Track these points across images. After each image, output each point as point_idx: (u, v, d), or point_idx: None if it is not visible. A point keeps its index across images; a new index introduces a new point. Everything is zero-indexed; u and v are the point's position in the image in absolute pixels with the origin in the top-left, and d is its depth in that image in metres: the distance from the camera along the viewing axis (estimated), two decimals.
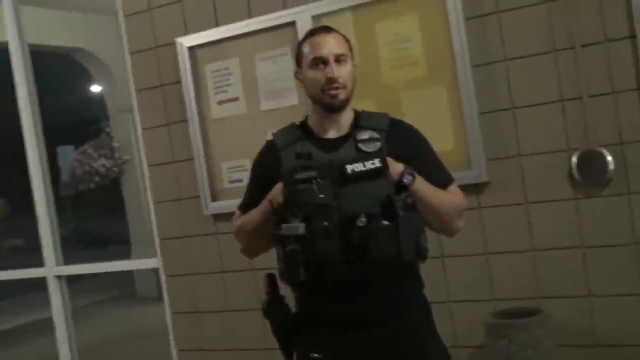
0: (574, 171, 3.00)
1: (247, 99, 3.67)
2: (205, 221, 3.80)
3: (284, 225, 1.98)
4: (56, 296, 4.40)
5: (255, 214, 2.18)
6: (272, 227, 2.04)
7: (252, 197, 2.22)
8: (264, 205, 2.13)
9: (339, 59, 2.09)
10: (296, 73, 2.21)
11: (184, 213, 3.88)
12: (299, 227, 1.95)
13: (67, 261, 4.49)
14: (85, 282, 10.19)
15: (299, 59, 2.18)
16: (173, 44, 3.80)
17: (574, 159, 3.00)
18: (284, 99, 3.53)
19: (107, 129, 9.40)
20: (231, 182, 3.69)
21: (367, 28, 3.35)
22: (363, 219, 1.93)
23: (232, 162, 3.68)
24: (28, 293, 7.37)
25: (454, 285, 3.25)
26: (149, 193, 4.00)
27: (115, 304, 9.67)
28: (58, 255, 4.42)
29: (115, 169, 9.14)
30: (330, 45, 2.10)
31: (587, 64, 2.97)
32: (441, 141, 3.13)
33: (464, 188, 3.03)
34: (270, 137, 2.23)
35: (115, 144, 9.03)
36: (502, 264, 3.15)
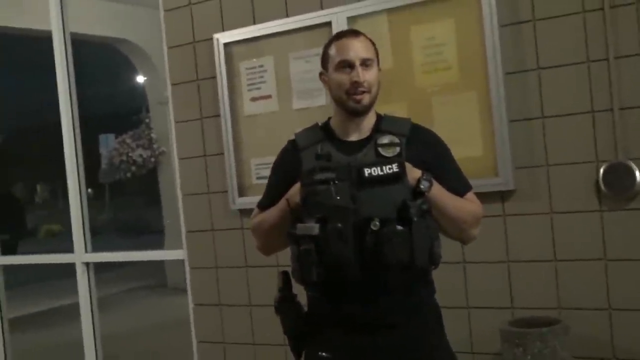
0: (601, 183, 2.98)
1: (279, 97, 3.72)
2: (232, 216, 3.85)
3: (299, 225, 2.01)
4: (83, 283, 4.50)
5: (272, 213, 2.21)
6: (289, 226, 2.07)
7: (271, 195, 2.26)
8: (281, 204, 2.16)
9: (365, 63, 2.12)
10: (321, 74, 2.24)
11: (211, 207, 3.94)
12: (314, 228, 1.97)
13: (100, 248, 4.58)
14: (119, 270, 10.39)
15: (324, 60, 2.21)
16: (210, 39, 3.87)
17: (602, 171, 2.99)
18: (315, 99, 3.57)
19: (147, 120, 9.56)
20: (259, 178, 3.73)
21: (402, 31, 3.37)
22: (377, 223, 1.95)
23: (261, 158, 3.73)
24: (62, 278, 7.52)
25: (473, 292, 3.26)
26: (178, 185, 4.06)
27: (146, 293, 9.83)
28: (87, 242, 4.50)
29: (152, 159, 9.30)
30: (357, 49, 2.12)
31: (620, 76, 2.95)
32: (470, 147, 3.18)
33: (490, 195, 3.11)
34: (292, 136, 2.27)
35: (154, 135, 9.19)
36: (524, 272, 3.15)
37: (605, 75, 2.98)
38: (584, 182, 3.04)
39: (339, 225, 1.97)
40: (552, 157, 3.10)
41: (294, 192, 2.12)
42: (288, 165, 2.22)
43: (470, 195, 2.22)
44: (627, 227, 2.97)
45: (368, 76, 2.12)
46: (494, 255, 3.20)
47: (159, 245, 9.50)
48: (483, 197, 2.94)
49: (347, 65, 2.12)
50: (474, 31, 3.21)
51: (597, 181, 3.00)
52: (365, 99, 2.12)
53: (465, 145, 3.19)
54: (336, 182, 2.00)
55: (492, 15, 3.15)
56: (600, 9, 2.98)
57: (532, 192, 3.13)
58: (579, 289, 3.05)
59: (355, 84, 2.10)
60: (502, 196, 3.17)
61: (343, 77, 2.12)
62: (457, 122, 3.23)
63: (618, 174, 2.96)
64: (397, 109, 3.29)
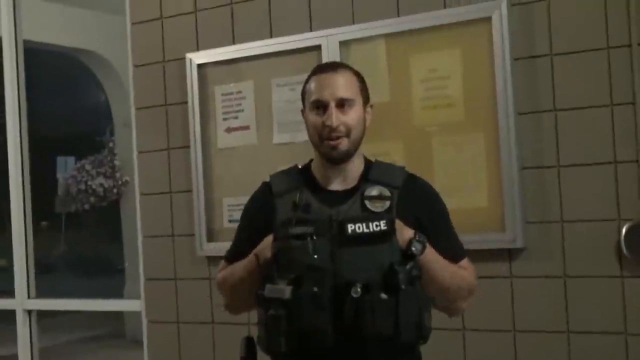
0: (623, 245, 2.98)
1: (258, 128, 3.72)
2: (199, 263, 3.83)
3: (268, 286, 1.98)
4: (24, 332, 4.45)
5: (239, 268, 2.19)
6: (258, 285, 2.05)
7: (240, 246, 2.24)
8: (249, 259, 2.14)
9: (341, 104, 2.10)
10: (301, 111, 2.23)
11: (175, 252, 3.92)
12: (285, 291, 1.94)
13: (49, 290, 4.53)
14: (72, 315, 10.27)
15: (303, 96, 2.21)
16: (182, 59, 3.88)
17: (624, 231, 2.98)
18: (300, 133, 3.55)
19: (111, 144, 9.53)
20: (232, 221, 3.71)
21: (401, 60, 3.39)
22: (358, 289, 1.93)
23: (235, 199, 3.72)
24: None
25: None
26: (138, 225, 4.04)
27: (100, 344, 9.71)
28: (30, 285, 4.46)
29: (114, 190, 9.25)
30: (333, 87, 2.11)
31: None
32: (474, 196, 3.20)
33: (495, 253, 3.10)
34: (267, 179, 2.26)
35: (117, 162, 9.15)
36: (532, 344, 3.13)
37: (631, 121, 2.99)
38: (604, 242, 3.03)
39: (315, 289, 1.95)
40: (568, 212, 3.09)
41: (265, 246, 2.10)
42: (260, 213, 2.20)
43: (464, 262, 2.21)
44: None
45: (347, 118, 2.10)
46: (498, 323, 3.18)
47: (118, 289, 9.41)
48: (487, 254, 2.97)
49: (321, 105, 2.11)
50: (483, 64, 3.22)
51: (619, 242, 2.99)
52: (343, 144, 2.10)
53: (468, 194, 3.20)
54: (314, 237, 1.99)
55: (504, 47, 3.16)
56: (628, 45, 3.00)
57: (544, 251, 3.12)
58: None
59: (327, 129, 2.09)
60: (510, 255, 3.16)
61: (316, 120, 2.11)
62: (460, 167, 3.24)
63: None
64: (391, 149, 3.32)
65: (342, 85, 2.11)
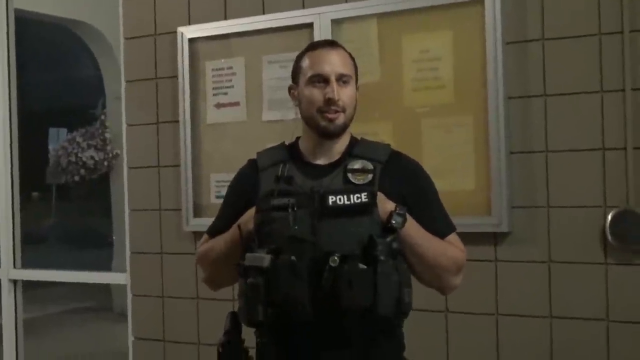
0: (608, 232, 2.98)
1: (248, 105, 3.71)
2: (185, 238, 3.83)
3: (247, 255, 2.00)
4: (9, 302, 4.45)
5: (222, 240, 2.20)
6: (239, 256, 2.05)
7: (224, 220, 2.25)
8: (232, 231, 2.15)
9: (342, 79, 2.12)
10: (290, 88, 2.23)
11: (162, 226, 3.92)
12: (265, 259, 1.96)
13: (38, 261, 4.52)
14: (60, 287, 10.27)
15: (295, 73, 2.20)
16: (174, 33, 3.85)
17: (609, 218, 2.98)
18: (289, 111, 3.54)
19: (102, 117, 9.49)
20: (219, 197, 3.70)
21: (393, 40, 3.37)
22: (336, 258, 1.93)
23: (223, 174, 3.71)
24: None
25: (456, 346, 3.24)
26: (125, 198, 4.03)
27: (87, 316, 9.72)
28: (16, 255, 4.46)
29: (105, 162, 9.22)
30: (333, 62, 2.13)
31: (638, 110, 2.96)
32: (461, 179, 3.20)
33: (481, 236, 3.10)
34: (255, 156, 2.26)
35: (108, 135, 9.12)
36: (514, 328, 3.14)
37: (620, 108, 2.98)
38: (589, 229, 3.03)
39: (293, 258, 1.96)
40: (554, 198, 3.09)
41: (248, 218, 2.11)
42: (244, 187, 2.22)
43: (453, 237, 2.20)
44: (634, 285, 2.96)
45: (344, 94, 2.12)
46: (481, 306, 3.19)
47: (106, 261, 9.42)
48: (473, 237, 2.96)
49: (321, 79, 2.12)
50: (474, 47, 3.21)
51: (604, 229, 3.00)
52: (340, 118, 2.12)
53: (455, 176, 3.20)
54: (295, 209, 2.01)
55: (495, 30, 3.15)
56: (619, 32, 2.99)
57: (529, 236, 3.12)
58: (576, 352, 3.04)
59: (329, 102, 2.10)
60: (495, 238, 3.16)
61: (315, 93, 2.12)
62: (448, 149, 3.23)
63: (628, 222, 2.96)
64: (380, 129, 3.31)
65: (341, 61, 2.14)
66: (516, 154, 3.15)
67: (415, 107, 3.32)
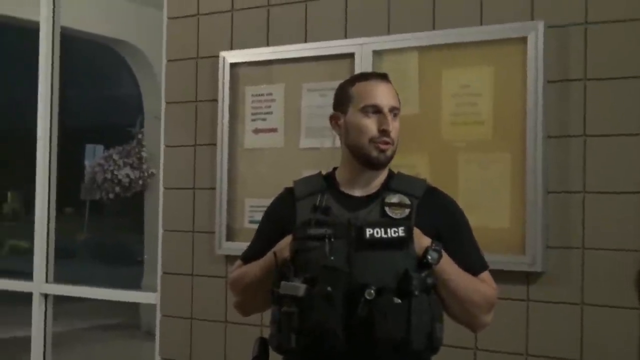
0: None
1: (286, 131, 3.73)
2: (217, 261, 3.84)
3: (283, 283, 2.02)
4: (39, 315, 4.49)
5: (256, 267, 2.22)
6: (273, 283, 2.07)
7: (258, 246, 2.27)
8: (267, 258, 2.17)
9: (393, 112, 2.16)
10: (333, 117, 2.25)
11: (194, 248, 3.93)
12: (300, 288, 1.98)
13: (69, 275, 4.55)
14: (91, 301, 10.31)
15: (342, 100, 2.22)
16: (216, 57, 3.89)
17: None
18: (326, 139, 3.55)
19: (140, 136, 9.59)
20: (252, 222, 3.71)
21: (433, 74, 3.38)
22: (372, 291, 1.95)
23: (258, 200, 3.72)
24: (17, 304, 7.48)
25: None
26: (160, 218, 4.06)
27: (115, 333, 9.76)
28: (49, 270, 4.51)
29: (140, 181, 9.31)
30: (386, 95, 2.17)
31: None
32: (495, 216, 3.18)
33: (513, 275, 3.08)
34: (292, 184, 2.29)
35: (144, 154, 9.21)
36: None
37: None
38: (624, 272, 2.99)
39: (329, 288, 1.98)
40: (590, 239, 3.06)
41: (284, 245, 2.13)
42: (281, 215, 2.24)
43: (485, 275, 2.21)
44: None
45: (394, 127, 2.16)
46: (511, 345, 3.15)
47: (136, 280, 9.46)
48: (505, 276, 2.95)
49: (374, 110, 2.15)
50: (515, 84, 3.20)
51: (639, 273, 2.96)
52: (389, 150, 2.16)
53: (490, 213, 3.19)
54: (332, 239, 2.03)
55: (537, 69, 3.14)
56: None
57: (563, 277, 3.10)
58: None
59: (384, 132, 2.13)
60: (528, 278, 3.14)
61: (369, 123, 2.14)
62: (484, 185, 3.23)
63: None
64: (417, 162, 3.32)
65: (392, 95, 2.19)
66: (553, 194, 3.13)
67: (453, 141, 3.32)
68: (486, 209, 3.19)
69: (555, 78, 3.15)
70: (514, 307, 3.12)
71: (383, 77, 2.23)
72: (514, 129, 3.19)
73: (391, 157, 2.17)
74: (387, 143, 2.13)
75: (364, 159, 2.16)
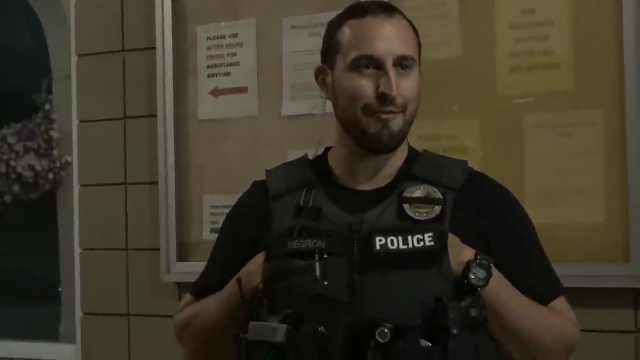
0: None
1: (261, 92, 3.73)
2: (164, 292, 3.85)
3: (252, 325, 2.00)
4: None
5: (214, 303, 2.23)
6: (239, 326, 2.06)
7: (216, 272, 2.28)
8: (229, 288, 2.17)
9: (402, 64, 2.11)
10: (319, 73, 2.24)
11: (130, 274, 3.94)
12: (278, 331, 1.96)
13: None
14: None
15: (328, 50, 2.21)
16: None
17: None
18: (322, 101, 3.53)
19: (48, 107, 9.55)
20: (214, 231, 3.69)
21: None
22: (387, 331, 1.92)
23: (221, 197, 3.73)
24: None
25: None
26: (76, 231, 4.05)
27: None
28: None
29: (50, 175, 9.28)
30: (391, 39, 2.12)
31: None
32: (583, 208, 3.18)
33: (615, 294, 3.05)
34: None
35: (55, 134, 9.17)
36: None
37: None
38: None
39: (322, 329, 1.97)
40: None
41: (253, 268, 2.13)
42: (248, 223, 2.25)
43: (560, 303, 2.20)
44: None
45: (405, 87, 2.11)
46: None
47: (53, 322, 9.49)
48: (599, 297, 2.93)
49: (371, 64, 2.11)
50: (604, 3, 3.19)
51: None
52: (397, 122, 2.11)
53: (574, 204, 3.17)
54: (326, 256, 2.01)
55: None
56: None
57: None
58: None
59: (384, 98, 2.08)
60: (636, 297, 3.12)
61: (362, 84, 2.11)
62: (564, 162, 3.21)
63: None
64: (462, 131, 3.31)
65: (401, 37, 2.13)
66: None
67: (515, 97, 3.31)
68: (568, 199, 3.17)
69: None
70: (616, 341, 3.10)
71: (387, 9, 2.17)
72: (605, 73, 3.18)
73: (402, 132, 2.12)
74: (391, 112, 2.09)
75: (359, 137, 2.14)
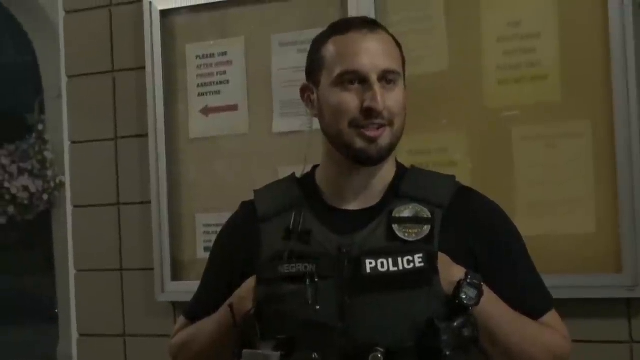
0: None
1: (251, 109, 3.74)
2: (159, 312, 3.85)
3: (245, 352, 2.01)
4: None
5: (206, 327, 2.23)
6: (232, 352, 2.08)
7: (208, 296, 2.29)
8: (221, 313, 2.18)
9: (386, 78, 2.12)
10: (304, 90, 2.26)
11: (125, 294, 3.94)
12: (271, 358, 1.97)
13: None
14: None
15: (313, 66, 2.22)
16: (139, 2, 3.89)
17: None
18: (309, 118, 3.54)
19: (41, 127, 9.56)
20: (208, 249, 3.70)
21: (468, 9, 3.38)
22: (379, 356, 1.94)
23: (214, 215, 3.72)
24: None
25: None
26: (70, 253, 4.06)
27: None
28: None
29: (45, 196, 9.29)
30: (374, 53, 2.13)
31: None
32: (573, 218, 3.17)
33: (607, 305, 3.06)
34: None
35: (49, 154, 9.18)
36: None
37: None
38: None
39: (314, 355, 1.99)
40: None
41: (244, 293, 2.13)
42: (236, 246, 2.25)
43: (550, 317, 2.20)
44: None
45: (391, 100, 2.12)
46: None
47: (50, 343, 9.50)
48: (592, 308, 2.93)
49: (356, 79, 2.12)
50: (590, 13, 3.20)
51: None
52: (385, 136, 2.12)
53: (564, 214, 3.18)
54: (316, 279, 2.02)
55: None
56: None
57: None
58: None
59: (370, 112, 2.09)
60: (629, 307, 3.12)
61: (347, 99, 2.12)
62: (554, 172, 3.22)
63: None
64: (450, 144, 3.32)
65: (385, 52, 2.14)
66: None
67: (502, 109, 3.32)
68: (557, 209, 3.18)
69: None
70: (609, 352, 3.10)
71: (371, 25, 2.19)
72: (592, 83, 3.19)
73: (389, 145, 2.13)
74: (379, 127, 2.10)
75: (346, 152, 2.14)
